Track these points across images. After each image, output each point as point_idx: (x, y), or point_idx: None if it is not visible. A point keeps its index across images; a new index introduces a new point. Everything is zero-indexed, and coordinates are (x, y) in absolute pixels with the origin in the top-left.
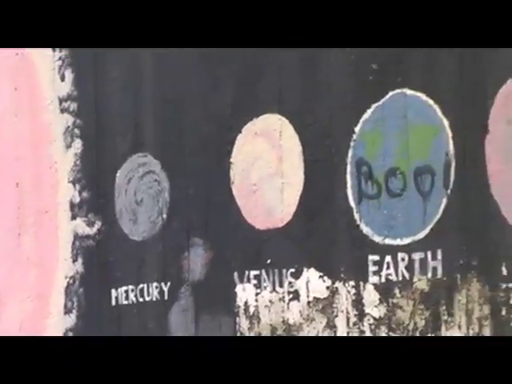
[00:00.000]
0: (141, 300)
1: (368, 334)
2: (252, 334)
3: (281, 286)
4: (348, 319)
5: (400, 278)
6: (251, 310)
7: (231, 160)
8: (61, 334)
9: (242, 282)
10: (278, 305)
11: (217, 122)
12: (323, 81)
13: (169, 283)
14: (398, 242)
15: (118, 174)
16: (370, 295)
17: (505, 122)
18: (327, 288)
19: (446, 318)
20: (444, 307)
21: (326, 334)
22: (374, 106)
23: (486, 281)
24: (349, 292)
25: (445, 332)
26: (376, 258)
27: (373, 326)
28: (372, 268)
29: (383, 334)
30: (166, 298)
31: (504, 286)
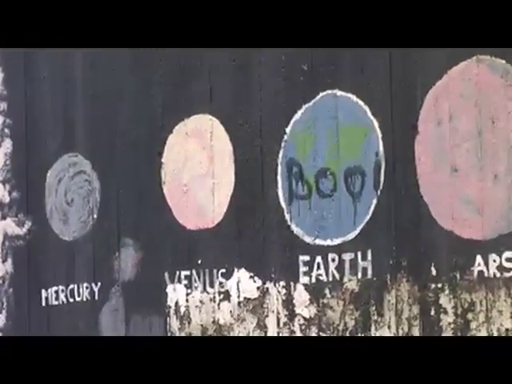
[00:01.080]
0: (71, 300)
1: (298, 334)
2: (183, 334)
3: (211, 286)
4: (278, 319)
5: (330, 279)
6: (182, 310)
7: (162, 160)
8: None
9: (172, 282)
10: (208, 305)
11: (148, 122)
12: (254, 81)
13: (99, 283)
14: (328, 242)
15: (48, 174)
16: (301, 295)
17: (434, 123)
18: (258, 288)
19: (375, 318)
20: (374, 307)
21: (257, 334)
22: (304, 106)
23: (415, 281)
24: (279, 292)
25: (374, 332)
26: (306, 258)
27: (303, 327)
28: (303, 268)
29: (313, 334)
30: (96, 298)
31: (433, 286)
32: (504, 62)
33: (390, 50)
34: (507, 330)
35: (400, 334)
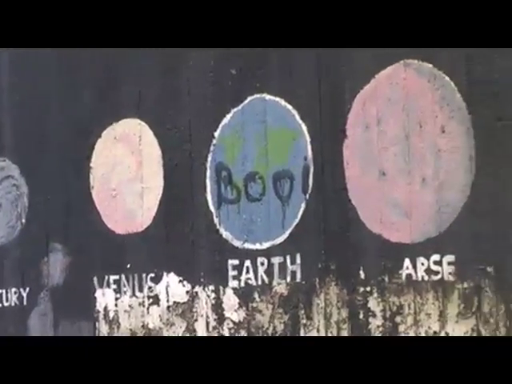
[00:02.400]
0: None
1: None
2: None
3: (140, 290)
4: (208, 323)
5: (259, 283)
6: (111, 314)
7: (91, 165)
8: None
9: (101, 286)
10: (137, 309)
11: (76, 126)
12: (183, 85)
13: (28, 288)
14: (257, 246)
15: None
16: (230, 299)
17: (362, 127)
18: (187, 292)
19: (304, 321)
20: (303, 311)
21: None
22: (233, 110)
23: (344, 284)
24: (208, 296)
25: (305, 334)
26: (236, 262)
27: (232, 330)
28: (232, 272)
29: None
30: (24, 303)
31: (362, 289)
32: (431, 66)
33: (317, 51)
34: (435, 332)
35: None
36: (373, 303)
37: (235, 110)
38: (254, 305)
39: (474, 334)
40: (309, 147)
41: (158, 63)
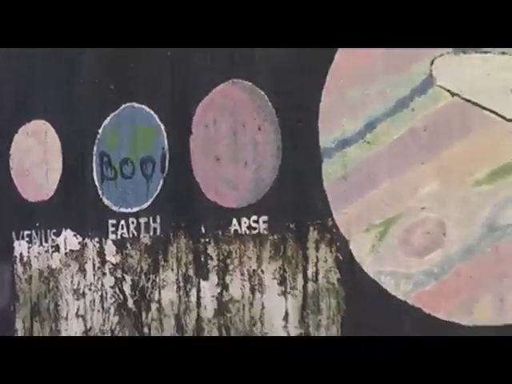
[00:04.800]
0: None
1: (108, 274)
2: (25, 277)
3: (46, 241)
4: (94, 265)
5: (131, 236)
6: (25, 259)
7: (10, 152)
8: None
9: (18, 239)
10: (44, 255)
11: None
12: (76, 95)
13: None
14: (129, 210)
15: None
16: (110, 248)
17: (203, 126)
18: (79, 243)
19: (163, 263)
20: (161, 256)
21: (79, 275)
22: (112, 114)
23: (190, 237)
24: (94, 246)
25: (162, 272)
26: (114, 221)
27: (112, 269)
28: (111, 229)
29: (119, 276)
30: None
31: (202, 240)
32: (251, 83)
33: (172, 72)
34: (254, 270)
35: (180, 274)
36: (210, 250)
37: (113, 113)
38: (127, 251)
39: (281, 272)
40: (165, 140)
41: (59, 75)
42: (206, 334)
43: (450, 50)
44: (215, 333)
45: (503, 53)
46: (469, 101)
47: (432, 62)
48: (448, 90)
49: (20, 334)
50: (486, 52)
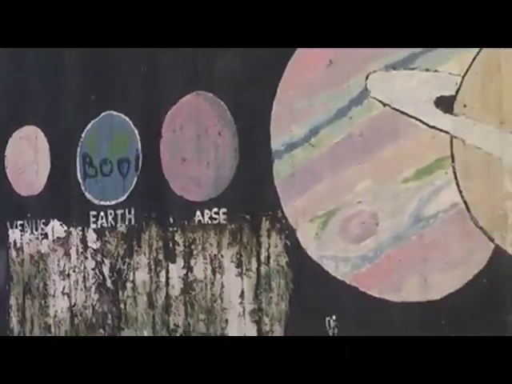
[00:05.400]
0: None
1: (90, 259)
2: (18, 260)
3: (36, 230)
4: (77, 250)
5: (109, 225)
6: (18, 245)
7: (5, 154)
8: None
9: (12, 228)
10: (34, 242)
11: None
12: (63, 104)
13: None
14: (108, 203)
15: None
16: (91, 235)
17: (171, 131)
18: (65, 231)
19: (136, 248)
20: (135, 242)
21: (65, 258)
22: (92, 121)
23: (160, 226)
24: (78, 233)
25: (136, 257)
26: (94, 213)
27: (93, 254)
28: (92, 219)
29: (99, 259)
30: None
31: (171, 229)
32: (212, 95)
33: (144, 86)
34: (215, 254)
35: (151, 258)
36: (177, 237)
37: (94, 120)
38: (106, 239)
39: (238, 256)
40: (139, 143)
41: (47, 86)
42: (173, 309)
43: (382, 66)
44: (181, 308)
45: (427, 69)
46: (398, 110)
47: (367, 77)
48: (380, 101)
49: (14, 309)
50: (412, 68)
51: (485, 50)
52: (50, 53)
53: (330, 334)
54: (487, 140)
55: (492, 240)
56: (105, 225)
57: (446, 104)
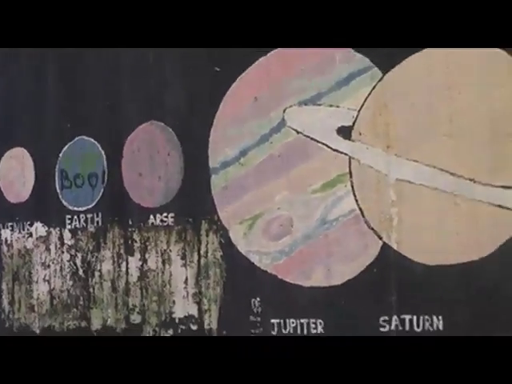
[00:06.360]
0: None
1: (65, 253)
2: (9, 254)
3: (23, 230)
4: (56, 245)
5: (81, 226)
6: (8, 242)
7: None
8: None
9: (3, 228)
10: (22, 239)
11: None
12: (46, 129)
13: None
14: (80, 209)
15: None
16: (67, 234)
17: (131, 152)
18: (46, 231)
19: (103, 244)
20: (101, 240)
21: (46, 253)
22: (68, 143)
23: (121, 227)
24: (56, 233)
25: (102, 251)
26: (69, 216)
27: (68, 249)
28: (67, 221)
29: (73, 253)
30: None
31: (130, 229)
32: (163, 124)
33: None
34: (165, 249)
35: (114, 253)
36: (135, 236)
37: (70, 143)
38: (78, 237)
39: (183, 251)
40: (105, 162)
41: (32, 113)
42: (132, 293)
43: (296, 102)
44: (138, 292)
45: (331, 105)
46: (308, 137)
47: (284, 111)
48: (295, 130)
49: (5, 293)
50: (319, 104)
51: (375, 91)
52: (33, 79)
53: (255, 312)
54: (377, 160)
55: (380, 238)
56: (78, 226)
57: (345, 132)
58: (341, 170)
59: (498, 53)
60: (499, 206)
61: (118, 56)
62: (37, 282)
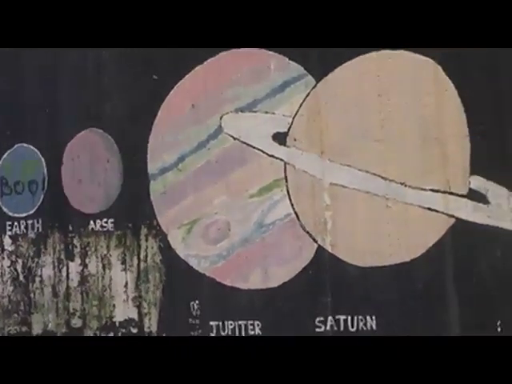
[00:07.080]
0: None
1: (6, 259)
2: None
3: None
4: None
5: (22, 232)
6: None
7: None
8: None
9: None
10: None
11: None
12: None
13: None
14: (21, 215)
15: None
16: (7, 240)
17: (70, 159)
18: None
19: (43, 250)
20: (42, 245)
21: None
22: (8, 151)
23: (62, 232)
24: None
25: (43, 257)
26: (10, 223)
27: (9, 255)
28: (8, 227)
29: (13, 259)
30: None
31: (70, 234)
32: (102, 131)
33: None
34: (105, 254)
35: (55, 258)
36: (76, 241)
37: (9, 150)
38: (19, 243)
39: (123, 255)
40: (45, 169)
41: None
42: (72, 298)
43: (233, 109)
44: (79, 296)
45: (266, 112)
46: (244, 143)
47: (221, 118)
48: (231, 136)
49: None
50: (255, 111)
51: (309, 98)
52: None
53: (194, 315)
54: (312, 166)
55: (316, 241)
56: (18, 232)
57: (280, 138)
58: (277, 175)
59: (426, 61)
60: (429, 209)
61: (56, 57)
62: None
